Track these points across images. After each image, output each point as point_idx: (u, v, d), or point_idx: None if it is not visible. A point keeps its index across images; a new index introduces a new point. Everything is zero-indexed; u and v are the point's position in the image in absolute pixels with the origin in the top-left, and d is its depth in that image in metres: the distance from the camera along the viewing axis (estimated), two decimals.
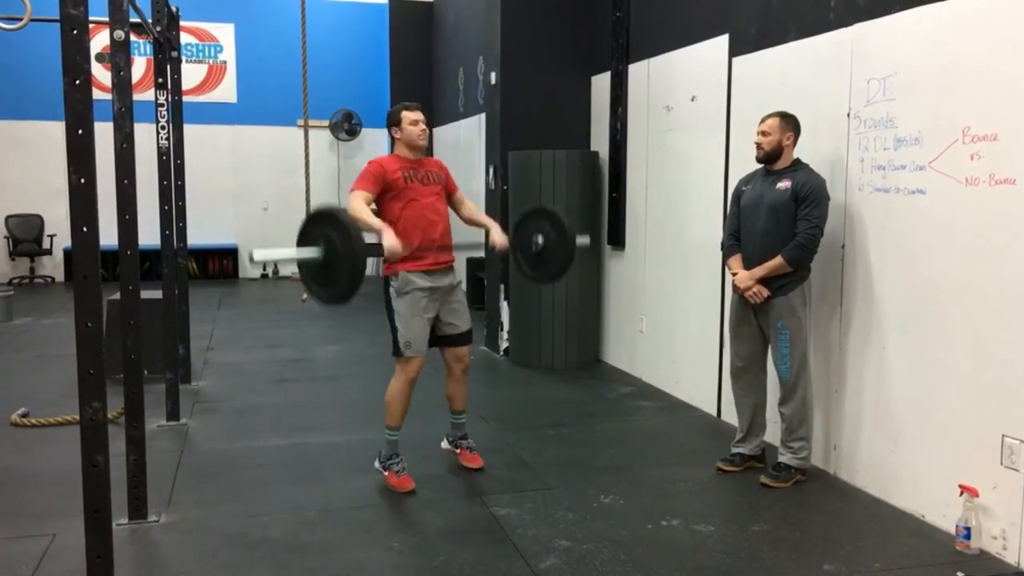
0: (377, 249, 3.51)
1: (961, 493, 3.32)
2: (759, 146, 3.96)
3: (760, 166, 4.05)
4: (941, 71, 3.48)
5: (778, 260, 3.85)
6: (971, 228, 3.34)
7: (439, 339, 4.02)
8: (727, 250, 4.16)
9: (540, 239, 3.97)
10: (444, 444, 4.29)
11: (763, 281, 3.91)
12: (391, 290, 3.88)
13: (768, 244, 3.90)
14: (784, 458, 4.00)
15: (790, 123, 3.95)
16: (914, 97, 3.61)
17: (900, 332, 3.72)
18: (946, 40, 3.45)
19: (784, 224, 3.87)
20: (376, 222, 3.65)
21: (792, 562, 3.21)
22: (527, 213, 4.19)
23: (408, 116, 3.94)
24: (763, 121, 3.98)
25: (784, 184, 3.89)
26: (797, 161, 3.97)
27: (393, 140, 4.02)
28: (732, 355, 4.20)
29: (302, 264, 3.35)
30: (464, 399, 4.19)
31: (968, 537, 3.27)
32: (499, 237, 4.02)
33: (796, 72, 4.35)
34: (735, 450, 4.20)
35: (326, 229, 3.26)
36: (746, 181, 4.14)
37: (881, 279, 3.82)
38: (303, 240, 3.32)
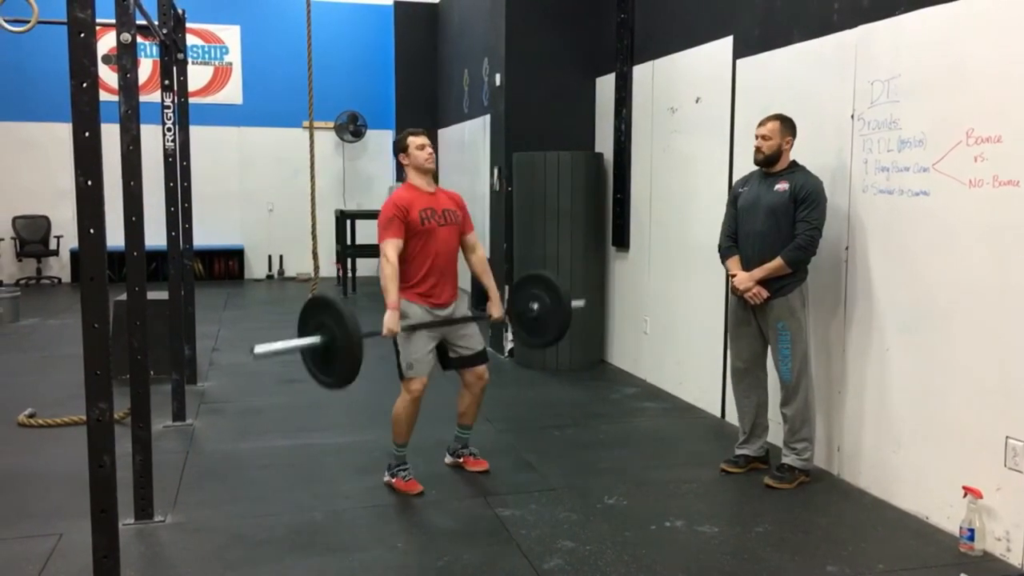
0: (375, 333, 3.59)
1: (965, 495, 3.32)
2: (759, 149, 3.97)
3: (756, 168, 4.06)
4: (945, 73, 3.48)
5: (777, 262, 3.86)
6: (975, 230, 3.34)
7: (454, 361, 4.03)
8: (724, 252, 4.16)
9: (535, 306, 4.01)
10: (447, 459, 4.28)
11: (762, 282, 3.92)
12: None
13: (766, 246, 3.91)
14: (787, 459, 4.00)
15: (789, 126, 3.96)
16: (918, 99, 3.61)
17: (903, 333, 3.72)
18: (950, 42, 3.45)
19: (783, 226, 3.87)
20: (392, 299, 3.68)
21: (795, 563, 3.22)
22: (521, 280, 4.26)
23: (415, 141, 3.95)
24: (763, 124, 3.98)
25: (782, 186, 3.90)
26: (794, 163, 3.98)
27: (402, 167, 4.03)
28: (733, 357, 4.21)
29: (304, 353, 3.41)
30: (475, 416, 4.20)
31: (972, 539, 3.27)
32: (496, 309, 4.08)
33: (800, 74, 4.36)
34: (739, 451, 4.21)
35: (324, 317, 3.35)
36: (743, 183, 4.15)
37: (884, 280, 3.82)
38: (303, 325, 3.42)
